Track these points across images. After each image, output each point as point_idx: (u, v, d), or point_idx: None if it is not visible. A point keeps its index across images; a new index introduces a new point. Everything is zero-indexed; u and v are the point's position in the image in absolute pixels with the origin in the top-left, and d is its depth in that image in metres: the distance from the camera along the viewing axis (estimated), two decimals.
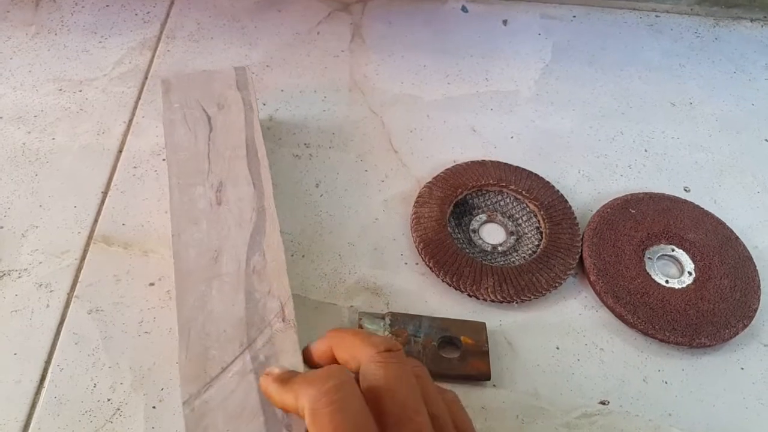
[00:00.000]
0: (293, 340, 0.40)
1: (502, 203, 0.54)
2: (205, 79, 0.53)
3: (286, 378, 0.35)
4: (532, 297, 0.48)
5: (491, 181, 0.54)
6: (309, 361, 0.38)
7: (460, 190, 0.53)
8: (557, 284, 0.49)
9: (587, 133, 0.60)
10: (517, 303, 0.48)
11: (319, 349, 0.37)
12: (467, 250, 0.51)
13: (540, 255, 0.50)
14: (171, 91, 0.52)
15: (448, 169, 0.55)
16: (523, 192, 0.53)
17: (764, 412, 0.45)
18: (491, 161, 0.56)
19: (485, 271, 0.49)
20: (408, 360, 0.34)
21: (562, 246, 0.50)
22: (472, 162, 0.56)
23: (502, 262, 0.50)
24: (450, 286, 0.49)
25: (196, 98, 0.52)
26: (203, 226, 0.45)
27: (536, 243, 0.52)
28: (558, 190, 0.54)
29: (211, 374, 0.38)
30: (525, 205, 0.54)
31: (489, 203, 0.54)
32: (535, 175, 0.55)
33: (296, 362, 0.38)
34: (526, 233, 0.53)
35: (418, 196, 0.53)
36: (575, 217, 0.52)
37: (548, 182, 0.54)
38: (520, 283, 0.48)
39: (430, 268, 0.49)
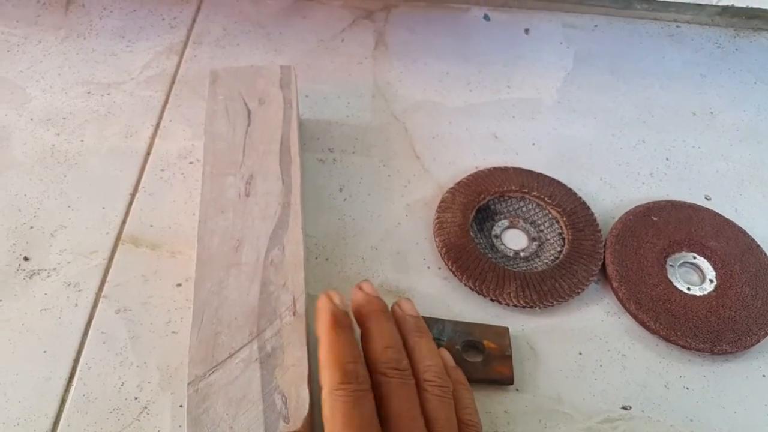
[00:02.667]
0: (301, 335, 0.41)
1: (524, 209, 0.55)
2: (252, 75, 0.54)
3: (334, 333, 0.38)
4: (555, 302, 0.48)
5: (514, 187, 0.54)
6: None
7: (482, 195, 0.54)
8: (580, 290, 0.49)
9: (609, 141, 0.61)
10: (539, 308, 0.48)
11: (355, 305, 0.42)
12: (490, 256, 0.51)
13: (562, 261, 0.50)
14: (217, 82, 0.54)
15: (470, 175, 0.55)
16: (546, 198, 0.54)
17: None
18: (513, 168, 0.56)
19: (508, 276, 0.49)
20: (411, 382, 0.39)
21: (584, 252, 0.51)
22: (495, 168, 0.56)
23: (524, 268, 0.51)
24: (473, 290, 0.49)
25: (240, 92, 0.53)
26: (229, 215, 0.46)
27: (558, 249, 0.52)
28: (580, 197, 0.54)
29: (218, 359, 0.39)
30: (547, 211, 0.54)
31: (511, 209, 0.55)
32: (558, 181, 0.55)
33: (302, 356, 0.40)
34: (549, 239, 0.53)
35: (441, 202, 0.54)
36: (598, 224, 0.53)
37: (570, 189, 0.55)
38: (542, 288, 0.49)
39: (453, 272, 0.50)
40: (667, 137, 0.61)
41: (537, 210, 0.54)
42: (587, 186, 0.57)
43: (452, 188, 0.55)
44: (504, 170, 0.56)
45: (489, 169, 0.56)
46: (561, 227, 0.53)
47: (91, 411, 0.43)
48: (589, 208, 0.53)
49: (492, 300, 0.49)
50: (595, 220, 0.53)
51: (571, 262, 0.50)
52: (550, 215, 0.54)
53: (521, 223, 0.54)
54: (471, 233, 0.52)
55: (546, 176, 0.56)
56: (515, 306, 0.48)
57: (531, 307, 0.48)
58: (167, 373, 0.45)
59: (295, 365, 0.39)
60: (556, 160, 0.59)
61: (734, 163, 0.60)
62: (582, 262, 0.50)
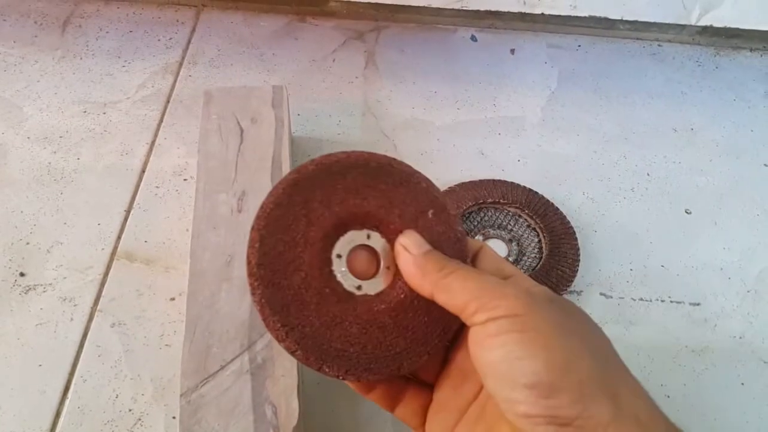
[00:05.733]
0: None
1: (501, 220, 0.56)
2: (244, 94, 0.56)
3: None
4: None
5: (490, 200, 0.56)
6: None
7: (462, 205, 0.55)
8: None
9: (591, 158, 0.62)
10: None
11: None
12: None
13: (540, 270, 0.52)
14: (211, 102, 0.55)
15: (452, 186, 0.57)
16: (525, 210, 0.55)
17: (764, 427, 0.46)
18: (493, 180, 0.57)
19: None
20: None
21: (563, 262, 0.52)
22: (480, 180, 0.57)
23: None
24: None
25: (233, 111, 0.54)
26: (222, 231, 0.47)
27: (537, 259, 0.53)
28: (558, 208, 0.55)
29: (209, 370, 0.40)
30: (525, 221, 0.55)
31: (490, 220, 0.56)
32: (535, 192, 0.56)
33: (292, 367, 0.41)
34: (527, 250, 0.54)
35: None
36: (575, 236, 0.54)
37: (549, 201, 0.56)
38: None
39: None
40: (648, 153, 0.63)
41: (515, 220, 0.56)
42: (570, 201, 0.58)
43: None
44: (480, 182, 0.57)
45: (471, 182, 0.57)
46: (539, 238, 0.54)
47: (86, 423, 0.44)
48: (566, 218, 0.55)
49: None
50: (573, 231, 0.54)
51: (549, 271, 0.51)
52: (528, 226, 0.55)
53: (500, 233, 0.55)
54: None
55: (524, 187, 0.57)
56: None
57: None
58: (161, 385, 0.46)
59: (285, 376, 0.40)
60: (540, 175, 0.60)
61: (714, 177, 0.62)
62: (560, 269, 0.51)
